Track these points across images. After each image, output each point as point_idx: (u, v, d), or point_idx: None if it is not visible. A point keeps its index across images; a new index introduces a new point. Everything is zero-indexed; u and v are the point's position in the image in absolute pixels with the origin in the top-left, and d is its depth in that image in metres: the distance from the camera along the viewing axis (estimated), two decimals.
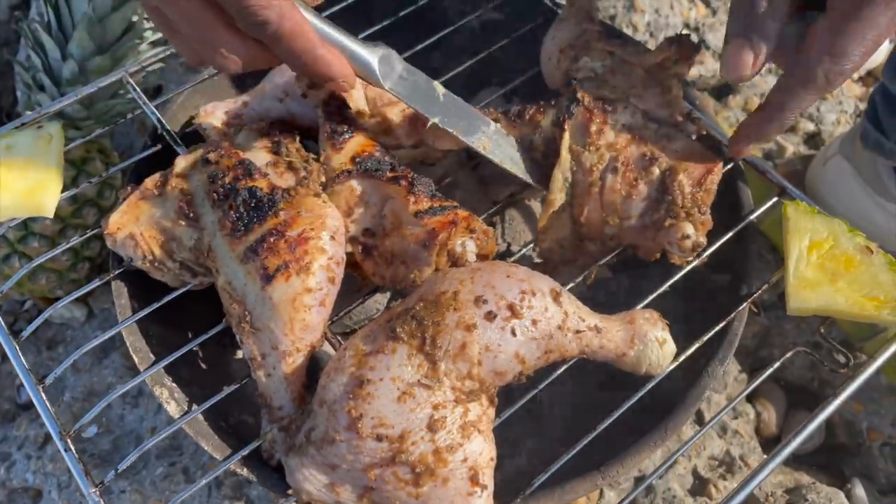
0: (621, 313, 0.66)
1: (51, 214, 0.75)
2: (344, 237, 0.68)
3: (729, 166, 0.78)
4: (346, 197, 0.70)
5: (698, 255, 0.73)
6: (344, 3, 0.91)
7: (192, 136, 0.84)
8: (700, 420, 0.99)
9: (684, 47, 0.76)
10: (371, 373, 0.57)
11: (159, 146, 0.82)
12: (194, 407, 0.69)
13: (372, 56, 0.68)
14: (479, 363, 0.58)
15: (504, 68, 1.05)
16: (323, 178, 0.71)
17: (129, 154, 1.17)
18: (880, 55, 1.27)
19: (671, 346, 0.65)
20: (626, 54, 0.79)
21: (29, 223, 0.95)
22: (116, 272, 0.74)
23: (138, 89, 0.85)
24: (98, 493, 0.61)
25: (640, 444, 0.70)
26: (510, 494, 0.64)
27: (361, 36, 0.71)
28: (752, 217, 0.79)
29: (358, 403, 0.56)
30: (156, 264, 0.70)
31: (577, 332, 0.61)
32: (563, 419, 0.93)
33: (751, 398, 1.02)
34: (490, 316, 0.58)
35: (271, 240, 0.64)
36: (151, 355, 0.75)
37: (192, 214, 0.69)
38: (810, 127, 1.26)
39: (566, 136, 0.74)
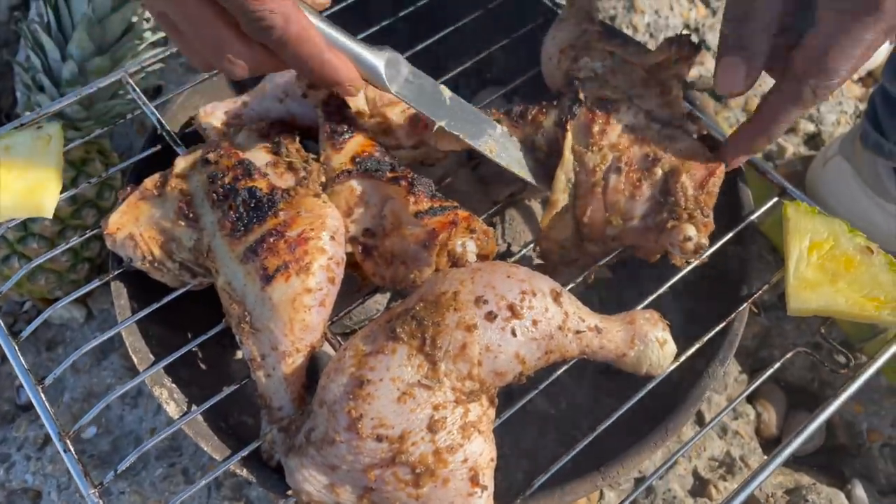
0: (622, 314, 0.65)
1: (50, 215, 0.75)
2: (344, 237, 0.68)
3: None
4: (346, 197, 0.70)
5: (699, 256, 0.73)
6: (343, 4, 0.91)
7: (192, 136, 0.84)
8: (700, 421, 0.99)
9: (684, 48, 0.76)
10: (371, 373, 0.57)
11: (159, 147, 0.82)
12: (194, 408, 0.69)
13: (378, 60, 0.68)
14: (479, 363, 0.58)
15: (504, 68, 1.05)
16: (323, 179, 0.71)
17: (129, 154, 1.18)
18: (880, 56, 1.27)
19: (672, 347, 0.65)
20: (627, 55, 0.79)
21: (28, 224, 0.95)
22: (116, 273, 0.74)
23: (138, 90, 0.85)
24: (97, 493, 0.61)
25: (641, 444, 0.70)
26: (511, 495, 0.64)
27: (360, 37, 0.70)
28: (753, 217, 0.79)
29: (358, 404, 0.56)
30: (155, 265, 0.70)
31: (578, 332, 0.61)
32: (563, 420, 0.93)
33: (751, 399, 1.02)
34: (490, 316, 0.58)
35: (271, 240, 0.64)
36: (151, 356, 0.75)
37: (191, 215, 0.69)
38: (810, 127, 1.26)
39: (568, 136, 0.74)
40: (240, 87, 0.99)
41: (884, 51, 1.21)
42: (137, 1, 0.98)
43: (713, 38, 1.35)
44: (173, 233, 0.69)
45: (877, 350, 0.70)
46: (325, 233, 0.65)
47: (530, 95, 0.85)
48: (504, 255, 0.91)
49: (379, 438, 0.56)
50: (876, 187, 1.03)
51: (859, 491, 0.94)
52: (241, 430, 0.79)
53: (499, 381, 0.59)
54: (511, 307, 0.59)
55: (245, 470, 0.67)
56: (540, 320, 0.59)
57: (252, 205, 0.66)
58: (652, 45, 1.32)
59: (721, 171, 0.71)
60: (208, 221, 0.68)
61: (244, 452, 0.65)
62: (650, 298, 0.71)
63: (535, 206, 0.98)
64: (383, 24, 0.91)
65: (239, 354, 0.90)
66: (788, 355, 0.72)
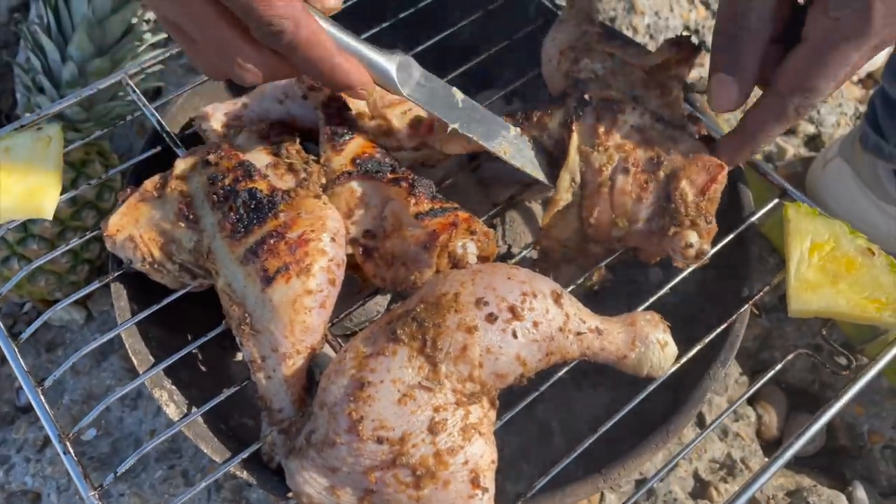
0: (622, 315, 0.65)
1: (50, 216, 0.75)
2: (344, 239, 0.68)
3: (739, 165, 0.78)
4: (347, 198, 0.70)
5: (700, 261, 0.73)
6: (343, 5, 0.91)
7: (192, 137, 0.84)
8: (701, 423, 0.99)
9: (684, 49, 0.76)
10: (371, 375, 0.57)
11: (159, 148, 0.82)
12: (194, 409, 0.69)
13: (390, 63, 0.68)
14: (480, 365, 0.57)
15: (504, 70, 1.05)
16: (323, 180, 0.71)
17: (129, 156, 1.18)
18: (880, 58, 1.27)
19: (672, 348, 0.64)
20: (627, 56, 0.79)
21: (28, 225, 0.95)
22: (116, 274, 0.74)
23: (138, 91, 0.85)
24: (97, 496, 0.61)
25: (642, 446, 0.70)
26: (512, 497, 0.64)
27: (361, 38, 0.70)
28: (753, 219, 0.79)
29: (358, 406, 0.56)
30: (155, 266, 0.70)
31: (579, 334, 0.61)
32: (563, 422, 0.93)
33: (752, 400, 1.02)
34: (491, 318, 0.58)
35: (271, 241, 0.64)
36: (151, 357, 0.75)
37: (191, 216, 0.69)
38: (810, 129, 1.26)
39: (574, 136, 0.74)
40: (239, 88, 0.99)
41: (884, 52, 1.21)
42: (137, 2, 0.98)
43: None
44: (173, 234, 0.69)
45: (878, 352, 0.70)
46: (326, 234, 0.65)
47: (531, 97, 0.85)
48: (504, 257, 0.91)
49: (379, 440, 0.56)
50: (876, 189, 1.03)
51: (860, 493, 0.94)
52: (241, 432, 0.79)
53: (500, 383, 0.59)
54: (512, 309, 0.59)
55: (245, 472, 0.67)
56: (541, 322, 0.59)
57: (252, 206, 0.66)
58: (652, 47, 1.32)
59: (723, 176, 0.71)
60: (208, 223, 0.68)
61: (244, 454, 0.65)
62: (651, 300, 0.71)
63: (536, 207, 0.97)
64: (383, 25, 0.91)
65: (239, 356, 0.90)
66: (789, 357, 0.72)
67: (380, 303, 0.88)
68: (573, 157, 0.73)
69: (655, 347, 0.63)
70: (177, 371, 0.75)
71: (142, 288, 0.76)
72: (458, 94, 0.73)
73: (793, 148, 1.23)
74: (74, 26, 0.95)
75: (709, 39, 1.35)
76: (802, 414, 1.00)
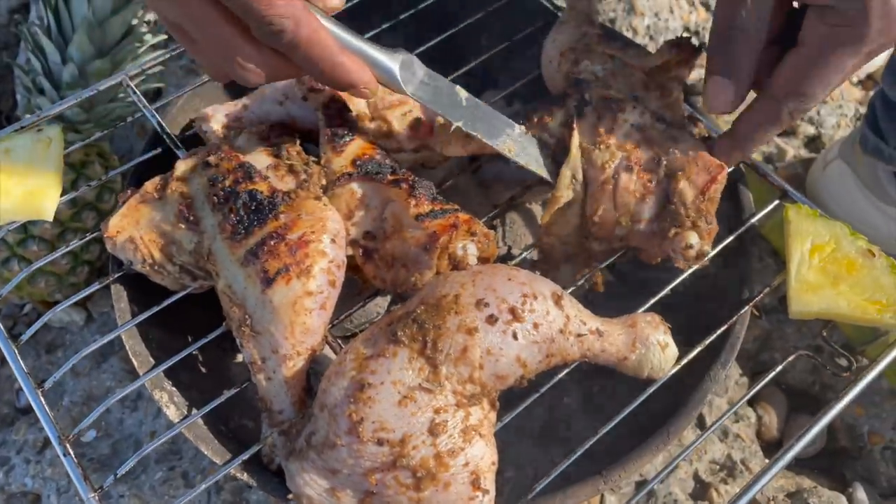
0: (623, 317, 0.65)
1: (50, 218, 0.75)
2: (344, 240, 0.68)
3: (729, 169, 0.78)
4: (347, 200, 0.70)
5: (701, 262, 0.73)
6: (345, 5, 0.91)
7: (192, 139, 0.84)
8: (701, 424, 0.99)
9: (685, 51, 0.76)
10: (372, 376, 0.57)
11: (159, 149, 0.82)
12: (194, 411, 0.69)
13: (393, 62, 0.67)
14: (480, 367, 0.57)
15: (505, 71, 1.05)
16: (323, 181, 0.71)
17: (129, 157, 1.17)
18: (879, 59, 1.27)
19: (673, 350, 0.64)
20: (627, 57, 0.79)
21: (28, 227, 0.95)
22: (116, 276, 0.74)
23: (138, 92, 0.85)
24: (97, 497, 0.61)
25: (642, 448, 0.70)
26: (512, 499, 0.64)
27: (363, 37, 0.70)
28: (754, 220, 0.79)
29: (359, 407, 0.56)
30: (155, 268, 0.70)
31: (579, 335, 0.61)
32: (564, 423, 0.93)
33: (752, 402, 1.02)
34: (491, 319, 0.58)
35: (271, 243, 0.64)
36: (151, 359, 0.75)
37: (192, 218, 0.69)
38: (811, 130, 1.26)
39: (575, 133, 0.73)
40: (240, 90, 0.99)
41: (884, 54, 1.21)
42: (138, 3, 0.98)
43: None
44: (174, 236, 0.69)
45: (878, 353, 0.70)
46: (326, 236, 0.65)
47: (531, 98, 0.85)
48: (505, 258, 0.91)
49: (380, 442, 0.56)
50: (876, 191, 1.03)
51: (860, 494, 0.94)
52: (241, 434, 0.79)
53: (500, 385, 0.59)
54: (512, 310, 0.59)
55: (245, 474, 0.67)
56: (541, 323, 0.59)
57: (253, 207, 0.66)
58: (652, 48, 1.32)
59: (723, 176, 0.71)
60: (209, 224, 0.68)
61: (245, 456, 0.65)
62: (651, 301, 0.71)
63: (536, 209, 0.97)
64: (383, 26, 0.91)
65: (239, 358, 0.90)
66: (790, 358, 0.72)
67: (380, 304, 0.88)
68: (574, 153, 0.73)
69: (656, 349, 0.63)
70: (177, 373, 0.75)
71: (142, 289, 0.76)
72: (462, 93, 0.73)
73: (793, 149, 1.23)
74: (75, 27, 0.95)
75: None
76: (803, 415, 1.00)
